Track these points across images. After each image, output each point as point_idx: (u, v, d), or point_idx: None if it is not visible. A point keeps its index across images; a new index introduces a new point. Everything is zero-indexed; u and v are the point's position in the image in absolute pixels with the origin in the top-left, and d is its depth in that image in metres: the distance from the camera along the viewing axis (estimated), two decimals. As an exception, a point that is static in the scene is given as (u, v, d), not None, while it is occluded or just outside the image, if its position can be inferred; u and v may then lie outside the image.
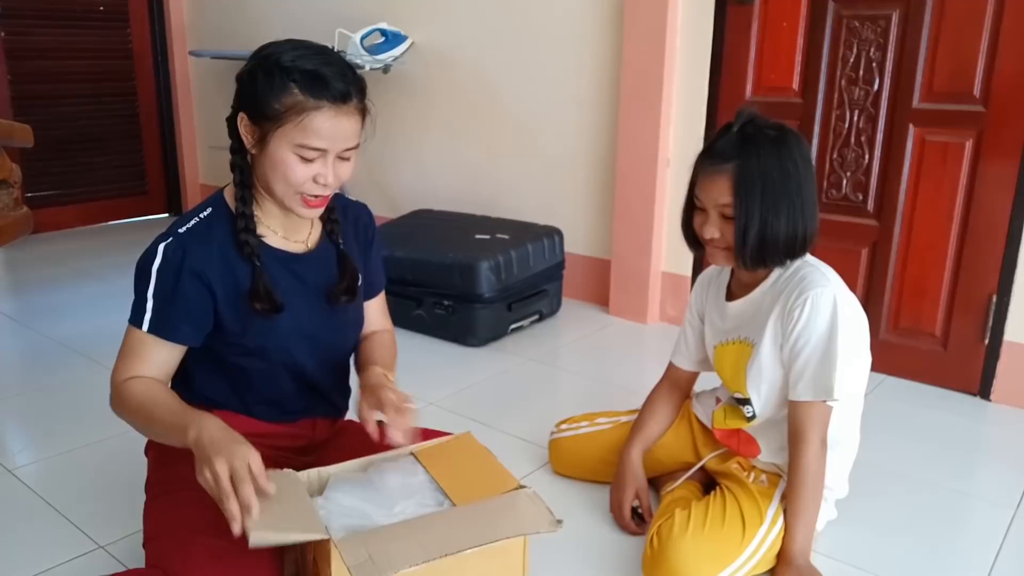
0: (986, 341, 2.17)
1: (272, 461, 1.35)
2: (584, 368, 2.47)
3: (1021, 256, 2.08)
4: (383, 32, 3.18)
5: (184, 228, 1.23)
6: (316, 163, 1.18)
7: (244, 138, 1.21)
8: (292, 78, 1.15)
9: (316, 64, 1.16)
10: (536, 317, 2.76)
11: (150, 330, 1.21)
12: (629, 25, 2.60)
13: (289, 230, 1.31)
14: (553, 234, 2.79)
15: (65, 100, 3.96)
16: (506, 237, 2.69)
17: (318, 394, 1.40)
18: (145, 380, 1.22)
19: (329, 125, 1.16)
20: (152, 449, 1.37)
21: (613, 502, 1.58)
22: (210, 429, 1.08)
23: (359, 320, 1.44)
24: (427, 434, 1.42)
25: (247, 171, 1.25)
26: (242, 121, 1.20)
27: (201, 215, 1.26)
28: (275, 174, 1.19)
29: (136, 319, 1.22)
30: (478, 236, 2.71)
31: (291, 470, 1.18)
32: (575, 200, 2.95)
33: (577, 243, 2.95)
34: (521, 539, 1.16)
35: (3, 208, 2.02)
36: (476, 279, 2.49)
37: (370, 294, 1.47)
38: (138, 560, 1.29)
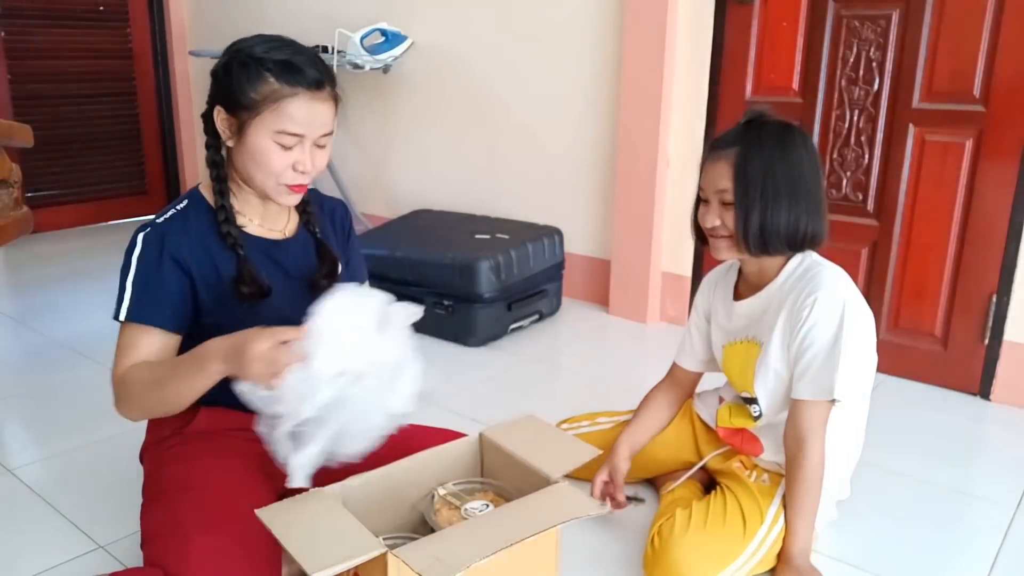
0: (986, 341, 2.17)
1: (269, 459, 1.35)
2: (584, 368, 2.47)
3: (1021, 256, 2.08)
4: (383, 32, 3.18)
5: (162, 219, 1.27)
6: (295, 150, 1.22)
7: (221, 132, 1.25)
8: (267, 67, 1.19)
9: (288, 54, 1.21)
10: (536, 317, 2.76)
11: (128, 318, 1.22)
12: (629, 25, 2.60)
13: (267, 219, 1.34)
14: (553, 234, 2.78)
15: (65, 100, 3.96)
16: (506, 237, 2.69)
17: None
18: (139, 364, 1.22)
19: (305, 111, 1.20)
20: (147, 454, 1.37)
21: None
22: (223, 351, 1.10)
23: None
24: (431, 432, 1.42)
25: (223, 165, 1.28)
26: (219, 114, 1.24)
27: (178, 207, 1.29)
28: (255, 163, 1.23)
29: (116, 310, 1.23)
30: (478, 236, 2.71)
31: (318, 488, 1.14)
32: (575, 200, 2.95)
33: (577, 243, 2.95)
34: (555, 534, 1.18)
35: (3, 208, 2.02)
36: (476, 279, 2.49)
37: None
38: (138, 560, 1.29)
